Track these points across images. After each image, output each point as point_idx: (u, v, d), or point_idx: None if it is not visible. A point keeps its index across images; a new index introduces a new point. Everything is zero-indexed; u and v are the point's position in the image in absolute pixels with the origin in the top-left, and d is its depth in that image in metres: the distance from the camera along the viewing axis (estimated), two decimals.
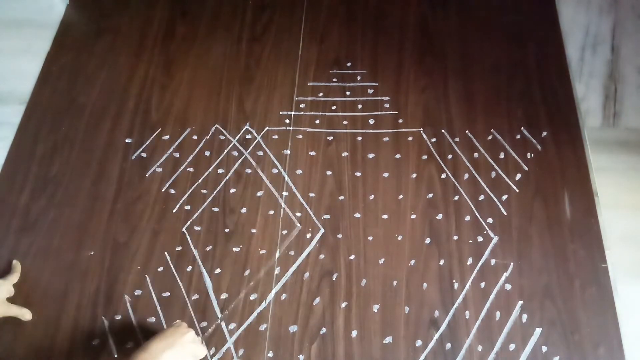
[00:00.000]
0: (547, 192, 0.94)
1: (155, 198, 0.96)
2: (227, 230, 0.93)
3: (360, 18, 1.17)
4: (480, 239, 0.90)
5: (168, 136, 1.03)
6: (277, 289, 0.87)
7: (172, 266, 0.90)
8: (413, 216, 0.92)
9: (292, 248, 0.90)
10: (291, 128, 1.03)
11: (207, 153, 1.01)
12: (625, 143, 1.00)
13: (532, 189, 0.94)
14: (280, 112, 1.05)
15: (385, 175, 0.97)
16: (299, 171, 0.98)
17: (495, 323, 0.83)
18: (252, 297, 0.87)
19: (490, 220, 0.92)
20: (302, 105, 1.06)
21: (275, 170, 0.98)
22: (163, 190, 0.97)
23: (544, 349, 0.81)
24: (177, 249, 0.91)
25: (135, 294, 0.87)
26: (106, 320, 0.85)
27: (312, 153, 1.00)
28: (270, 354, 0.82)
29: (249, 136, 1.02)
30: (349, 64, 1.10)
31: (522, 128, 1.00)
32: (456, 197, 0.94)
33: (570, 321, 0.82)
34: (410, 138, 1.01)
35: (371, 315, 0.84)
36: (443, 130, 1.01)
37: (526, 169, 0.96)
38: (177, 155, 1.01)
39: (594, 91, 1.05)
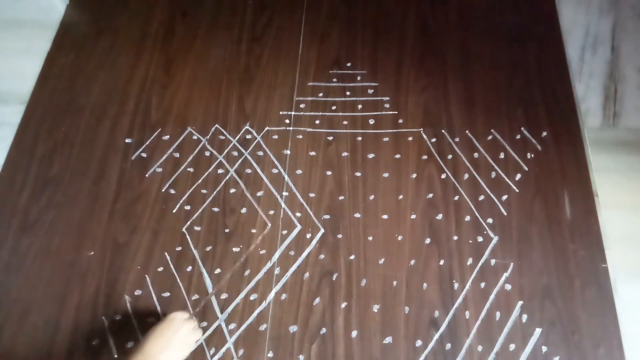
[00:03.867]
0: (547, 192, 0.94)
1: (155, 198, 0.96)
2: (227, 231, 0.93)
3: (360, 18, 1.17)
4: (480, 239, 0.90)
5: (168, 136, 1.03)
6: (277, 289, 0.87)
7: (172, 266, 0.90)
8: (413, 216, 0.92)
9: (292, 248, 0.90)
10: (291, 128, 1.03)
11: (207, 153, 1.01)
12: (625, 143, 1.00)
13: (532, 189, 0.94)
14: (280, 112, 1.05)
15: (385, 175, 0.97)
16: (299, 171, 0.98)
17: (495, 323, 0.83)
18: (252, 297, 0.87)
19: (490, 220, 0.92)
20: (302, 106, 1.06)
21: (275, 170, 0.98)
22: (163, 190, 0.97)
23: (544, 349, 0.81)
24: (177, 249, 0.91)
25: (135, 294, 0.87)
26: (106, 320, 0.85)
27: (312, 153, 1.00)
28: (270, 354, 0.82)
29: (249, 136, 1.02)
30: (349, 64, 1.10)
31: (522, 128, 1.00)
32: (456, 197, 0.94)
33: (570, 321, 0.82)
34: (410, 138, 1.01)
35: (371, 315, 0.84)
36: (443, 130, 1.01)
37: (526, 169, 0.96)
38: (177, 155, 1.01)
39: (594, 91, 1.05)
